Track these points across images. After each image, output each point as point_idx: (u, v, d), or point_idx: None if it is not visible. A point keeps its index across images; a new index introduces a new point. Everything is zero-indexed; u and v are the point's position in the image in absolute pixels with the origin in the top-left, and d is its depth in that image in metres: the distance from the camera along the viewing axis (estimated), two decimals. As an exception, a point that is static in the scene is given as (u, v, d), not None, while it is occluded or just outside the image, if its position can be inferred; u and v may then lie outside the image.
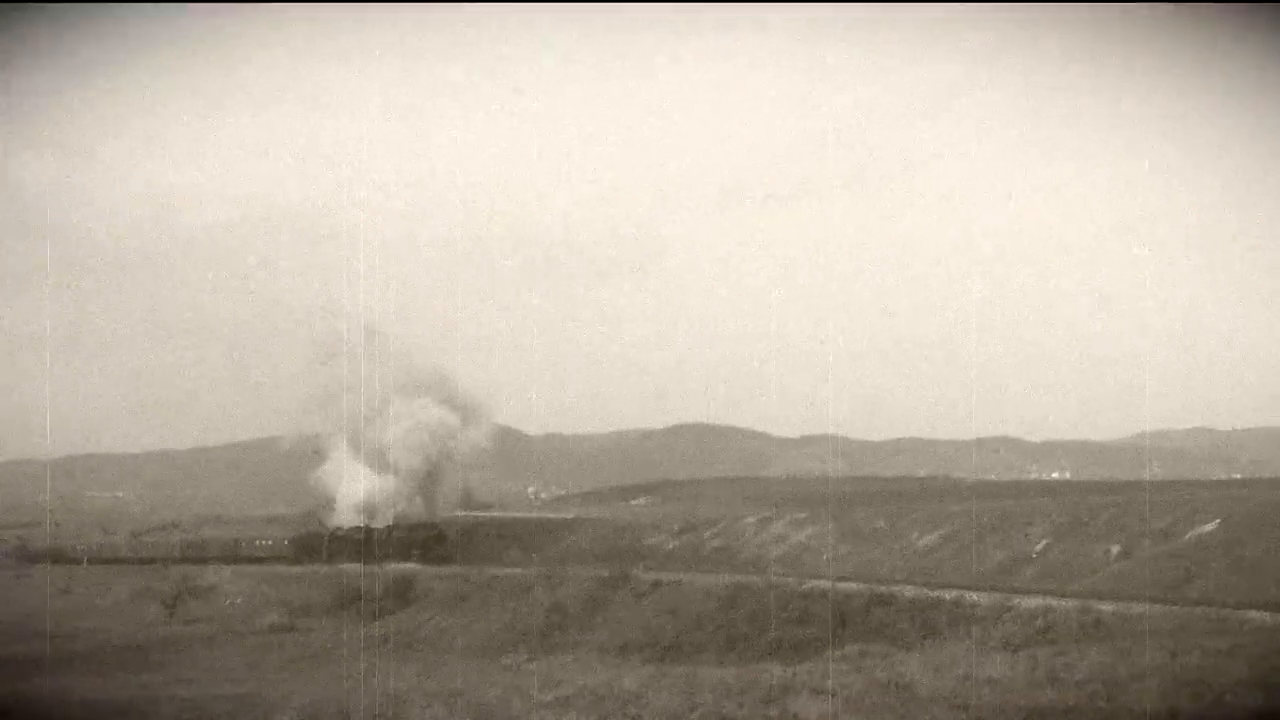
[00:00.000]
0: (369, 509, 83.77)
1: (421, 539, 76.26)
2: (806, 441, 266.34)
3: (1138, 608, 30.91)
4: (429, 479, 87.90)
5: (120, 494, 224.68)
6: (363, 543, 77.17)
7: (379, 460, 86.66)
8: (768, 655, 35.83)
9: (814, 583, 43.62)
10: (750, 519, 66.83)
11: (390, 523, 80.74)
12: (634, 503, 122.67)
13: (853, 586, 41.58)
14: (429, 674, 36.27)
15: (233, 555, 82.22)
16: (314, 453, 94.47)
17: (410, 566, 68.57)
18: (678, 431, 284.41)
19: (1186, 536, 40.70)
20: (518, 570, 60.78)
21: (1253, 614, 28.03)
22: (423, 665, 42.91)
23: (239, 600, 67.78)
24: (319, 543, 79.74)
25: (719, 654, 38.59)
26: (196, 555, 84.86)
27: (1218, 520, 40.64)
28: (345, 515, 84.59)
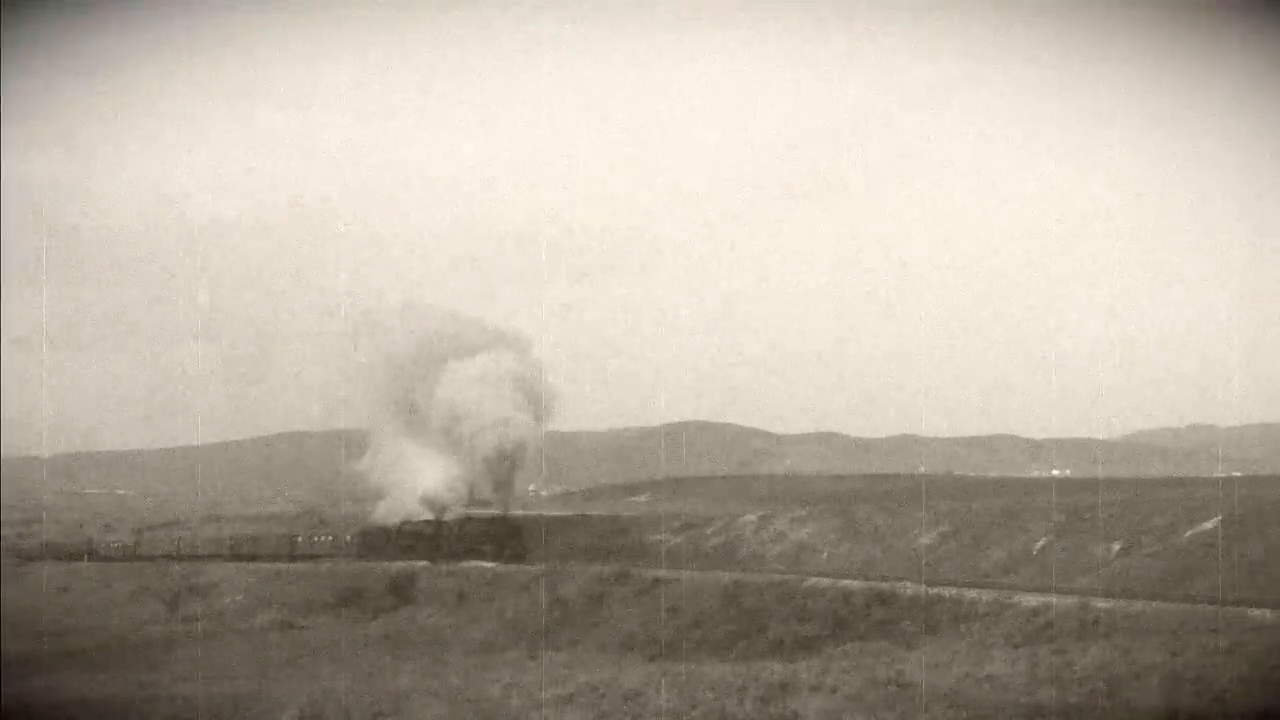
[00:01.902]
0: (438, 500, 76.36)
1: (499, 533, 69.69)
2: (807, 439, 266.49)
3: (1138, 605, 30.94)
4: (504, 464, 77.28)
5: (121, 491, 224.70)
6: (432, 538, 71.46)
7: (446, 445, 77.85)
8: (768, 653, 35.87)
9: (814, 580, 43.65)
10: (751, 516, 66.77)
11: (462, 515, 73.72)
12: (634, 500, 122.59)
13: (853, 584, 41.60)
14: (430, 671, 36.26)
15: (289, 553, 77.52)
16: (350, 444, 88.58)
17: (481, 565, 63.93)
18: (678, 429, 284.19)
19: (1186, 534, 40.69)
20: (518, 567, 60.79)
21: (1253, 612, 28.06)
22: (423, 663, 42.91)
23: (239, 598, 67.74)
24: (385, 539, 73.77)
25: (719, 651, 38.61)
26: (249, 552, 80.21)
27: (1218, 518, 40.62)
28: (406, 507, 77.28)
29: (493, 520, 72.06)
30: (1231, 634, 24.43)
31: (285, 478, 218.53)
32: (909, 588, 39.08)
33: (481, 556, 66.40)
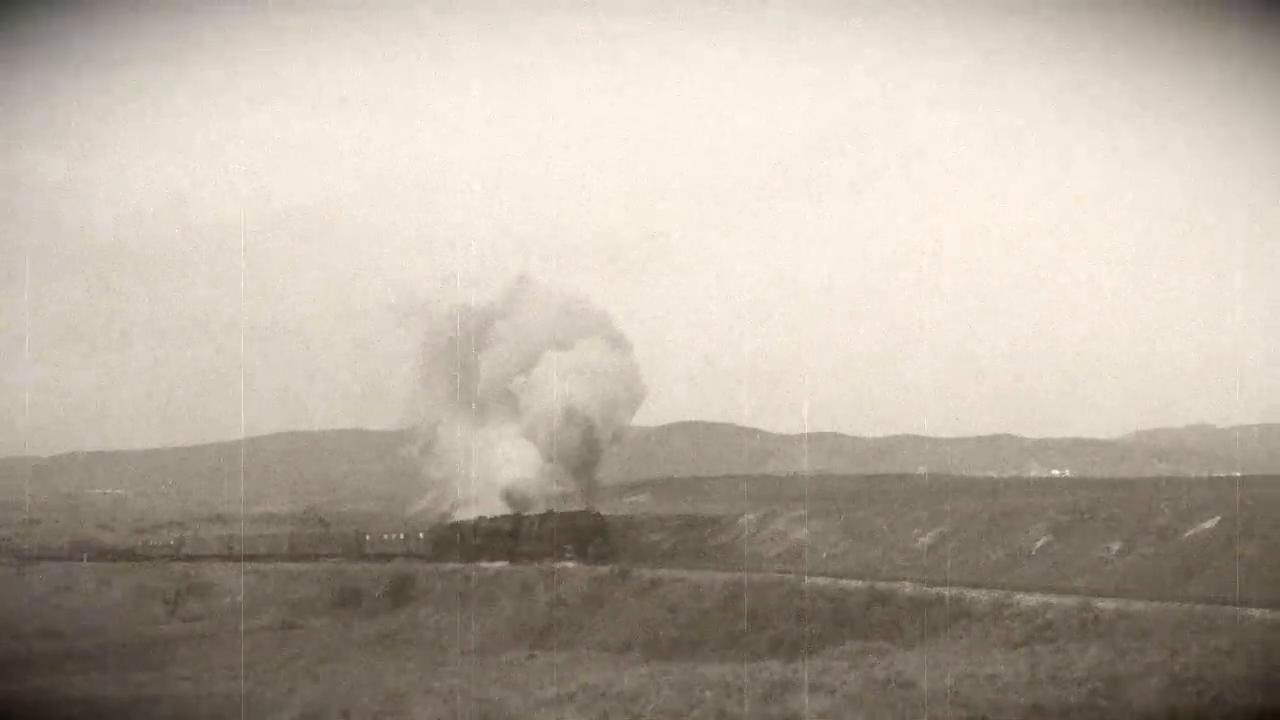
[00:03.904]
0: (516, 495, 70.39)
1: (584, 530, 62.98)
2: (807, 439, 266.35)
3: (1137, 605, 30.92)
4: (585, 452, 69.71)
5: (121, 491, 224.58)
6: (511, 535, 65.44)
7: (512, 421, 71.65)
8: (768, 653, 35.87)
9: (814, 580, 43.63)
10: (750, 516, 66.72)
11: (543, 511, 67.06)
12: (633, 500, 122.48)
13: (853, 584, 41.58)
14: (429, 672, 36.29)
15: (356, 551, 73.71)
16: (391, 438, 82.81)
17: (565, 565, 58.56)
18: (677, 428, 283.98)
19: (1186, 534, 40.67)
20: (518, 567, 60.76)
21: (1252, 611, 28.04)
22: (423, 663, 42.94)
23: (239, 598, 67.74)
24: (459, 537, 68.54)
25: (719, 651, 38.63)
26: (308, 551, 77.06)
27: (1217, 518, 40.59)
28: (464, 502, 72.08)
29: (575, 515, 65.33)
30: (1231, 634, 24.43)
31: (287, 477, 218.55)
32: (908, 587, 39.07)
33: (564, 556, 60.80)
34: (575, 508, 67.91)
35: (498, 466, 72.23)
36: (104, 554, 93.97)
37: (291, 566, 74.14)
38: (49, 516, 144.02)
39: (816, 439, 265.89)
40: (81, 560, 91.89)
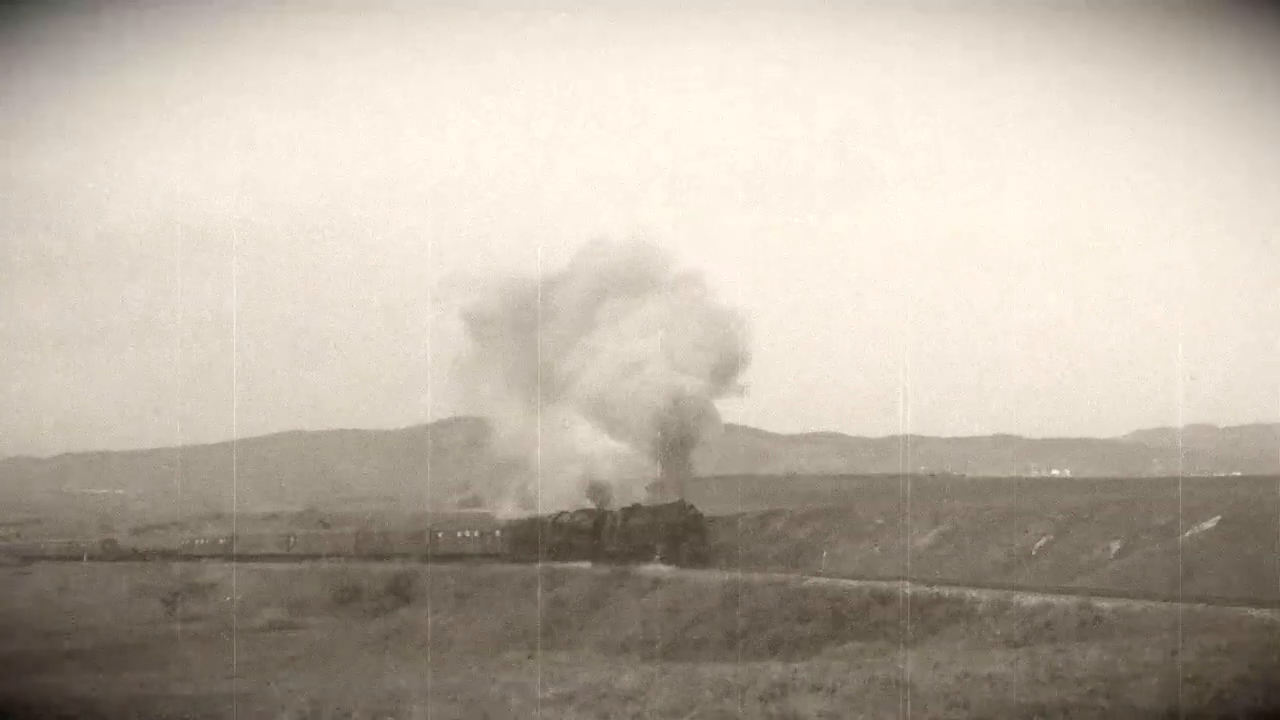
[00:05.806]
0: (591, 485, 62.37)
1: (676, 526, 55.15)
2: (806, 439, 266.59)
3: (1137, 605, 30.94)
4: (672, 431, 60.48)
5: (121, 491, 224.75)
6: (592, 533, 58.47)
7: (594, 412, 62.83)
8: (767, 653, 35.89)
9: (813, 580, 43.66)
10: (750, 516, 66.69)
11: (627, 504, 58.73)
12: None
13: (852, 584, 41.61)
14: (429, 671, 36.25)
15: (427, 552, 66.85)
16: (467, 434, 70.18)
17: (654, 569, 52.03)
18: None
19: (1186, 534, 40.65)
20: (518, 567, 60.72)
21: (1252, 611, 28.06)
22: (423, 662, 42.93)
23: (239, 597, 67.77)
24: (538, 534, 61.41)
25: (719, 651, 38.63)
26: (376, 550, 72.27)
27: (1217, 517, 40.58)
28: (527, 499, 65.32)
29: (665, 509, 57.11)
30: (1231, 634, 24.44)
31: (294, 476, 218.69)
32: (908, 587, 39.06)
33: (652, 557, 53.64)
34: (667, 500, 59.17)
35: (565, 453, 63.31)
36: (104, 553, 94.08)
37: (290, 566, 74.17)
38: (50, 516, 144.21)
39: (816, 439, 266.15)
40: (82, 560, 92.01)
